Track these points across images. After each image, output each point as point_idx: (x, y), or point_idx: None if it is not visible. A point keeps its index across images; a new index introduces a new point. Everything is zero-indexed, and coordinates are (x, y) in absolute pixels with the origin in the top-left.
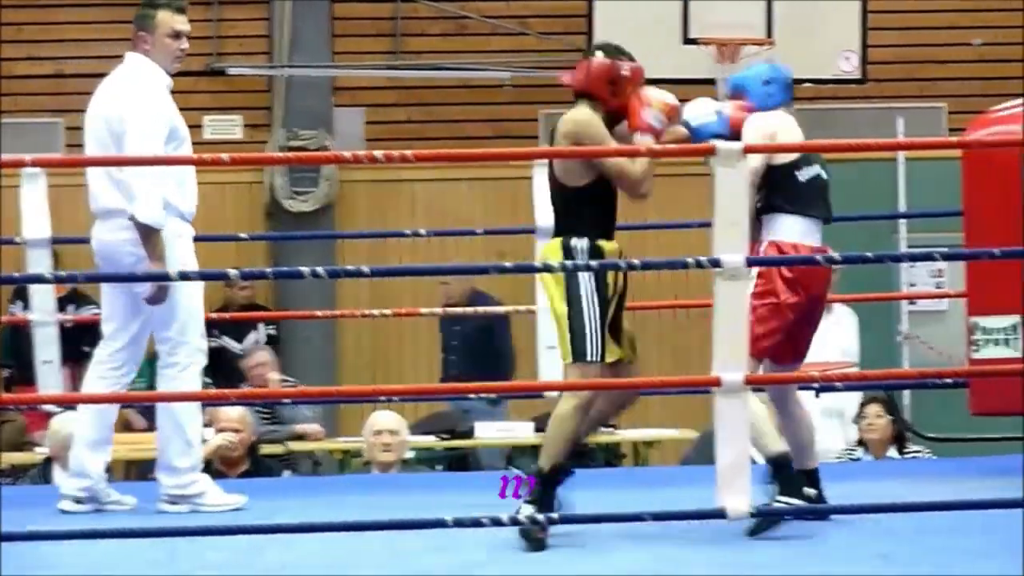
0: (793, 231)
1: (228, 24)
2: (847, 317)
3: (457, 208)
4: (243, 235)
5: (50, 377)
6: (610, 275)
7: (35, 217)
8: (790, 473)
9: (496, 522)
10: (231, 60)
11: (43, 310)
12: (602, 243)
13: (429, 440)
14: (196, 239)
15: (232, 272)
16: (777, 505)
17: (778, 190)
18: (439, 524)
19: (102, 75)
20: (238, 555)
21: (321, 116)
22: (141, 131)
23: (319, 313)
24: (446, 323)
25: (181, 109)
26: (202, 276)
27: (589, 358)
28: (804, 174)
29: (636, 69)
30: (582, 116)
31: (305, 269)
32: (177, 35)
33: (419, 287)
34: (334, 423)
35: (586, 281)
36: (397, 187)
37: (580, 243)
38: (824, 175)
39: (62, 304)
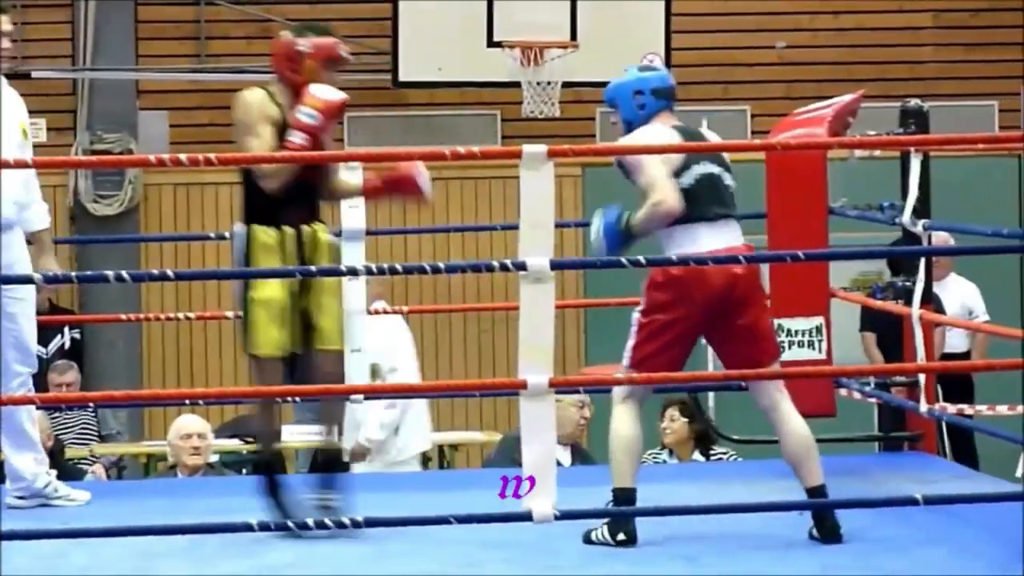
0: (685, 242)
1: (32, 27)
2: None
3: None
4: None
5: None
6: (274, 264)
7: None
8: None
9: (302, 526)
10: (35, 63)
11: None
12: (257, 229)
13: (234, 444)
14: None
15: (36, 276)
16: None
17: None
18: (245, 528)
19: None
20: (41, 560)
21: (125, 119)
22: None
23: (123, 316)
24: None
25: None
26: (6, 280)
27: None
28: (687, 178)
29: (319, 45)
30: (244, 98)
31: (110, 273)
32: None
33: (225, 290)
34: (140, 426)
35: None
36: (201, 190)
37: (240, 229)
38: (715, 170)
39: None
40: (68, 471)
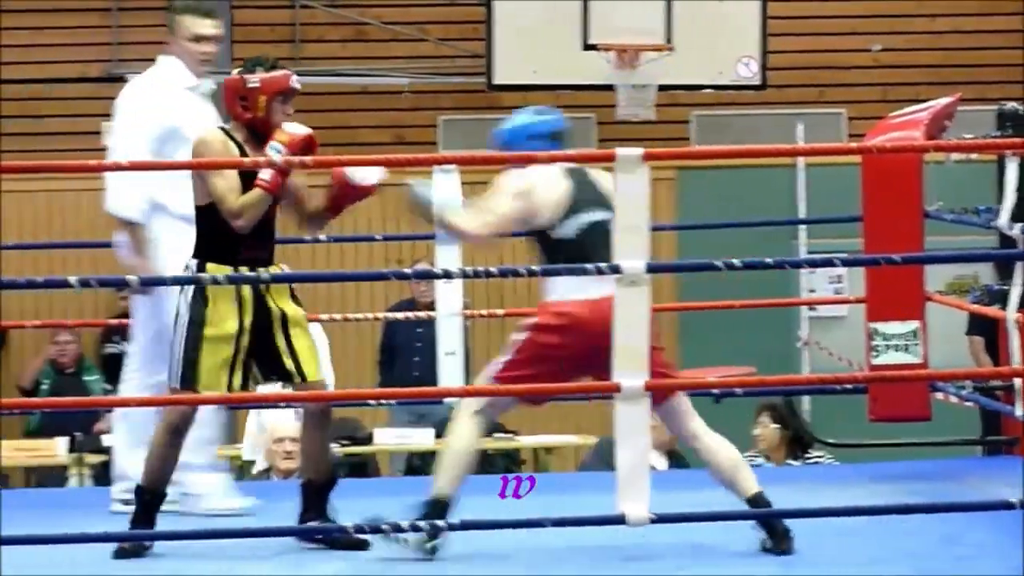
0: (572, 287)
1: (127, 31)
2: None
3: (355, 214)
4: None
5: None
6: (229, 303)
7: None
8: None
9: (396, 528)
10: (130, 67)
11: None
12: (211, 266)
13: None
14: (90, 245)
15: (132, 279)
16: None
17: (545, 251)
18: (338, 531)
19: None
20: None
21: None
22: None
23: None
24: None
25: (79, 116)
26: (101, 283)
27: (172, 383)
28: (569, 227)
29: (268, 80)
30: (204, 138)
31: (205, 275)
32: (198, 39)
33: (318, 292)
34: (232, 430)
35: (183, 305)
36: None
37: (192, 263)
38: (604, 216)
39: None
40: None
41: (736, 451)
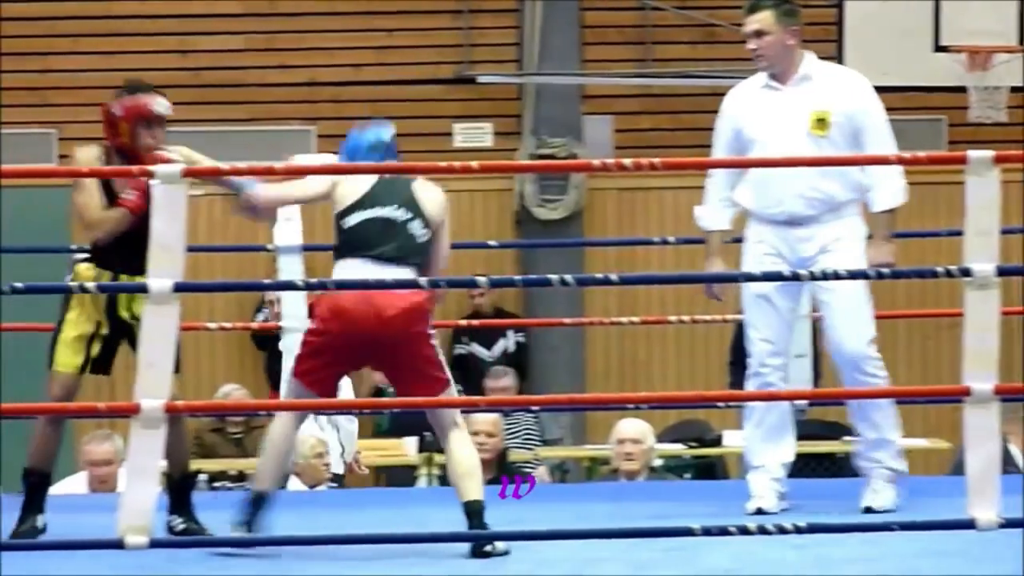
0: (343, 275)
1: (478, 32)
2: None
3: None
4: (492, 243)
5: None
6: (81, 299)
7: (286, 224)
8: None
9: (743, 531)
10: (481, 68)
11: (293, 316)
12: (82, 267)
13: (677, 448)
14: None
15: (481, 280)
16: None
17: (337, 238)
18: (685, 532)
19: (353, 83)
20: (483, 561)
21: (570, 124)
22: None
23: (567, 321)
24: None
25: (430, 117)
26: (450, 284)
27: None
28: (353, 219)
29: (129, 107)
30: (76, 154)
31: (554, 277)
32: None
33: (667, 295)
34: (582, 431)
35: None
36: (645, 195)
37: (78, 265)
38: (395, 215)
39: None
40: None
41: (475, 460)
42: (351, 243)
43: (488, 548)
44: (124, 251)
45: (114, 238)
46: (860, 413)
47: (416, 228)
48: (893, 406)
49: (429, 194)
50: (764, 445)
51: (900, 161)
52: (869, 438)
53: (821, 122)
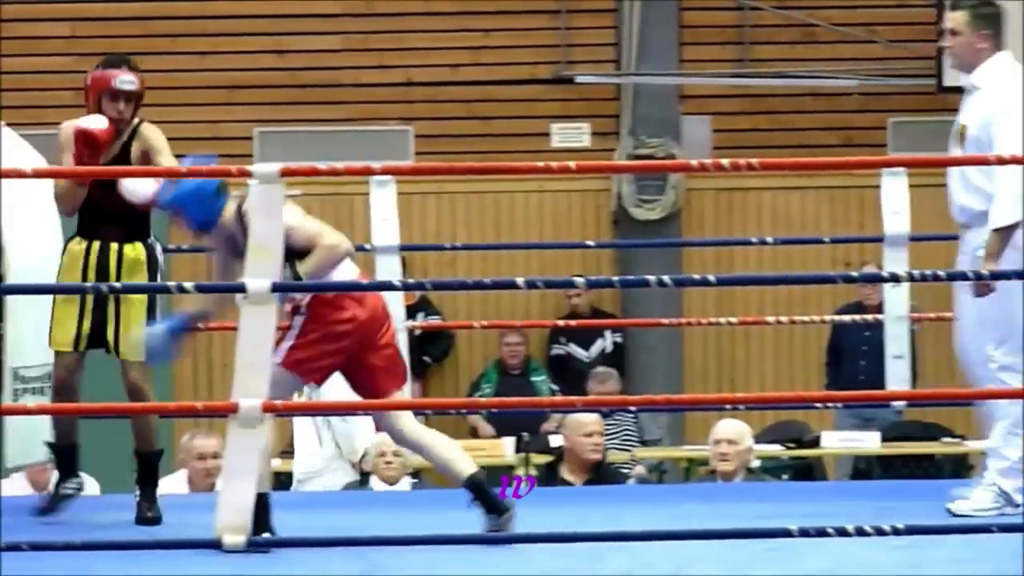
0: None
1: (576, 32)
2: None
3: (803, 216)
4: (590, 243)
5: None
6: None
7: (384, 224)
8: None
9: (841, 532)
10: (579, 68)
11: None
12: (71, 241)
13: (774, 449)
14: (541, 246)
15: (578, 280)
16: None
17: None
18: (783, 534)
19: (450, 83)
20: (582, 561)
21: (668, 124)
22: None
23: (664, 321)
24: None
25: (527, 117)
26: (548, 284)
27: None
28: None
29: (96, 77)
30: (61, 127)
31: (651, 277)
32: None
33: (764, 295)
34: (680, 431)
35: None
36: (743, 195)
37: (69, 242)
38: None
39: (411, 312)
40: (609, 475)
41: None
42: None
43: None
44: (102, 219)
45: (86, 208)
46: (986, 418)
47: None
48: (1012, 418)
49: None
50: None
51: (1004, 161)
52: (991, 445)
53: (961, 134)
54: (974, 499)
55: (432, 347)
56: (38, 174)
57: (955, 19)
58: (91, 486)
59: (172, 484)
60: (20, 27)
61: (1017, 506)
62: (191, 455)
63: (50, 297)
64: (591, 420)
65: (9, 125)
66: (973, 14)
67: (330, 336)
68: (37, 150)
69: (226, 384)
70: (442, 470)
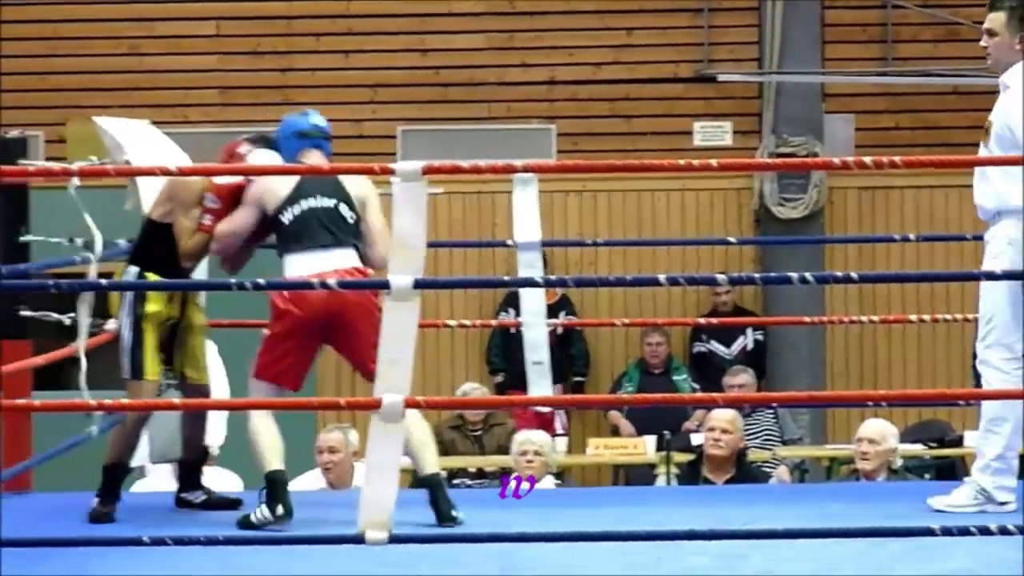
0: (291, 269)
1: (718, 31)
2: None
3: (946, 214)
4: (731, 239)
5: (541, 379)
6: (157, 303)
7: (526, 221)
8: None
9: (984, 531)
10: (721, 67)
11: (533, 312)
12: (149, 275)
13: (917, 448)
14: (683, 243)
15: (720, 277)
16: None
17: (277, 237)
18: (925, 532)
19: (592, 82)
20: (722, 560)
21: (811, 122)
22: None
23: (807, 319)
24: None
25: (670, 116)
26: (691, 281)
27: (125, 375)
28: (290, 213)
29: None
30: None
31: (793, 275)
32: None
33: (907, 293)
34: (821, 430)
35: (127, 305)
36: (886, 194)
37: (132, 270)
38: (328, 203)
39: (552, 311)
40: (752, 474)
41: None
42: (292, 237)
43: (456, 515)
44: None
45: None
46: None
47: (346, 212)
48: (997, 419)
49: (352, 179)
50: None
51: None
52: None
53: (986, 131)
54: (953, 495)
55: (574, 364)
56: (119, 172)
57: (994, 20)
58: (233, 483)
59: (307, 482)
60: (165, 26)
61: (1000, 504)
62: (316, 446)
63: None
64: (714, 415)
65: (154, 124)
66: (1012, 15)
67: (277, 337)
68: (182, 149)
69: (359, 381)
70: (411, 455)
